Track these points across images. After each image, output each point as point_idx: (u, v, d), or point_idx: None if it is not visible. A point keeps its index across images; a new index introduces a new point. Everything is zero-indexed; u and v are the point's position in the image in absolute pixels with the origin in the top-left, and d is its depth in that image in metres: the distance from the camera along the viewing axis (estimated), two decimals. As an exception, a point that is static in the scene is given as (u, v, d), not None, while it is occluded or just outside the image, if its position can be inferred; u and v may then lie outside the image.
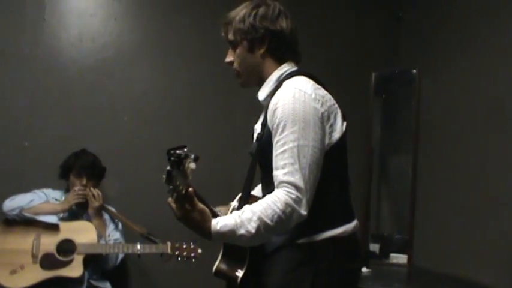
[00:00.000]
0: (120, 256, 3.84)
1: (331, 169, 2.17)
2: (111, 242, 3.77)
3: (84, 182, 3.82)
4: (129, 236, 3.88)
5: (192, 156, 1.95)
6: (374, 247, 4.46)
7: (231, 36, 2.37)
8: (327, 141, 2.16)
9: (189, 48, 4.50)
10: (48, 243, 3.64)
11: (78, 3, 4.31)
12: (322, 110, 2.14)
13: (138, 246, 3.66)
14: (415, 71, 4.44)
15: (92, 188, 3.80)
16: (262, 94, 2.33)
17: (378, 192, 4.67)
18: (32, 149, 4.13)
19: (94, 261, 3.75)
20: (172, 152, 1.96)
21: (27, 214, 3.65)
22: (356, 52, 4.77)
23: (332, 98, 2.22)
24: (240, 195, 2.43)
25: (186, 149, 1.98)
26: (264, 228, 2.02)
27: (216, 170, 4.38)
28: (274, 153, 2.11)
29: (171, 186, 1.99)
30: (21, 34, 4.15)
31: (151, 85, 4.43)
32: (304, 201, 2.03)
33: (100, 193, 3.82)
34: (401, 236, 4.44)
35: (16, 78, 4.14)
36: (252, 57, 2.33)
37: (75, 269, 3.59)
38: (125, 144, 4.32)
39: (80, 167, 3.84)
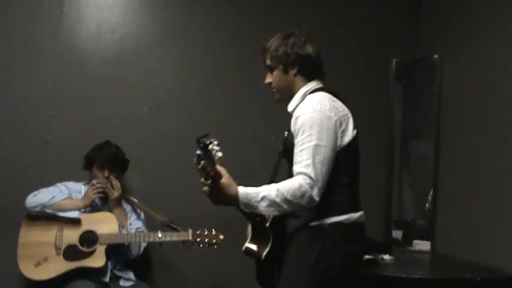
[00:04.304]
0: (143, 245, 3.85)
1: (341, 166, 2.64)
2: (133, 231, 3.80)
3: (106, 174, 3.84)
4: (151, 226, 3.90)
5: (216, 142, 2.36)
6: (397, 234, 4.44)
7: (268, 62, 2.86)
8: (338, 143, 2.63)
9: (209, 38, 4.49)
10: (71, 235, 3.68)
11: (96, -5, 4.33)
12: (336, 118, 2.63)
13: (160, 235, 3.68)
14: (436, 56, 4.41)
15: (111, 178, 3.83)
16: (291, 106, 2.83)
17: (399, 178, 4.64)
18: (53, 142, 4.15)
19: (117, 252, 3.78)
20: (200, 139, 2.35)
21: (49, 211, 3.69)
22: (376, 38, 4.72)
23: (346, 109, 2.73)
24: None
25: (208, 135, 2.38)
26: (281, 198, 2.49)
27: (237, 159, 4.38)
28: (295, 151, 2.60)
29: (199, 166, 2.37)
30: (40, 28, 4.18)
31: (171, 75, 4.43)
32: (316, 188, 2.49)
33: (119, 183, 3.84)
34: (424, 221, 4.41)
35: (36, 72, 4.16)
36: (286, 77, 2.81)
37: (97, 259, 3.63)
38: (146, 134, 4.33)
39: (102, 159, 3.86)
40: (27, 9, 4.15)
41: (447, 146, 4.29)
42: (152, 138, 4.34)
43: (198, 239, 3.70)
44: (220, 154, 2.35)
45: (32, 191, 3.73)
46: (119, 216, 3.77)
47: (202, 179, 2.45)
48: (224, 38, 4.51)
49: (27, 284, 3.78)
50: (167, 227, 3.77)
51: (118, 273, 3.79)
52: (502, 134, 3.78)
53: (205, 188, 2.50)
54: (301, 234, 2.68)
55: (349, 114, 2.73)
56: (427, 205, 4.41)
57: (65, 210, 3.71)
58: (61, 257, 3.64)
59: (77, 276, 3.61)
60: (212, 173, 2.42)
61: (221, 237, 3.73)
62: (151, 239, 3.72)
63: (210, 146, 2.34)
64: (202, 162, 2.36)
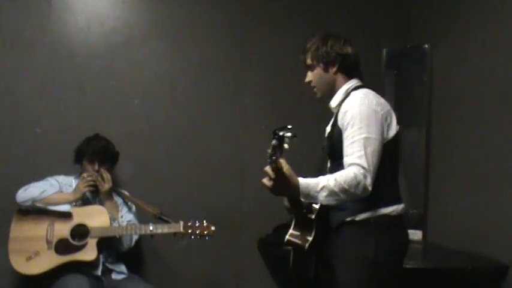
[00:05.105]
0: (135, 238, 3.85)
1: (387, 159, 2.72)
2: (124, 224, 3.79)
3: (97, 167, 3.83)
4: (142, 218, 3.89)
5: (288, 134, 2.41)
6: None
7: (309, 61, 2.99)
8: (384, 135, 2.73)
9: (200, 30, 4.47)
10: (62, 229, 3.66)
11: (85, -13, 4.29)
12: (382, 112, 2.74)
13: (151, 227, 3.67)
14: (426, 46, 4.41)
15: (102, 170, 3.82)
16: (334, 102, 2.94)
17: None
18: (44, 136, 4.14)
19: (109, 245, 3.77)
20: (276, 131, 2.43)
21: (40, 205, 3.67)
22: (367, 28, 4.70)
23: (388, 105, 2.83)
24: None
25: (285, 128, 2.44)
26: (338, 187, 2.55)
27: (227, 150, 4.39)
28: (345, 144, 2.70)
29: (273, 157, 2.43)
30: (28, 20, 4.14)
31: (161, 67, 4.41)
32: (369, 178, 2.59)
33: (109, 176, 3.82)
34: (415, 211, 4.41)
35: (26, 65, 4.13)
36: (327, 75, 2.94)
37: (89, 253, 3.61)
38: (136, 127, 4.32)
39: (92, 153, 3.84)
40: (14, 2, 4.12)
41: (438, 136, 4.30)
42: (142, 130, 4.34)
43: (190, 231, 3.68)
44: (286, 146, 2.42)
45: (22, 186, 3.71)
46: (110, 209, 3.77)
47: (267, 168, 2.50)
48: (215, 29, 4.50)
49: (19, 278, 3.77)
50: (158, 219, 3.77)
51: (110, 266, 3.78)
52: (493, 123, 3.79)
53: (265, 180, 2.55)
54: (351, 228, 2.78)
55: (392, 110, 2.84)
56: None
57: (55, 204, 3.69)
58: (52, 251, 3.62)
59: (68, 270, 3.58)
60: (277, 164, 2.47)
61: (213, 228, 3.72)
62: (143, 232, 3.70)
63: (284, 140, 2.42)
64: (275, 153, 2.43)
